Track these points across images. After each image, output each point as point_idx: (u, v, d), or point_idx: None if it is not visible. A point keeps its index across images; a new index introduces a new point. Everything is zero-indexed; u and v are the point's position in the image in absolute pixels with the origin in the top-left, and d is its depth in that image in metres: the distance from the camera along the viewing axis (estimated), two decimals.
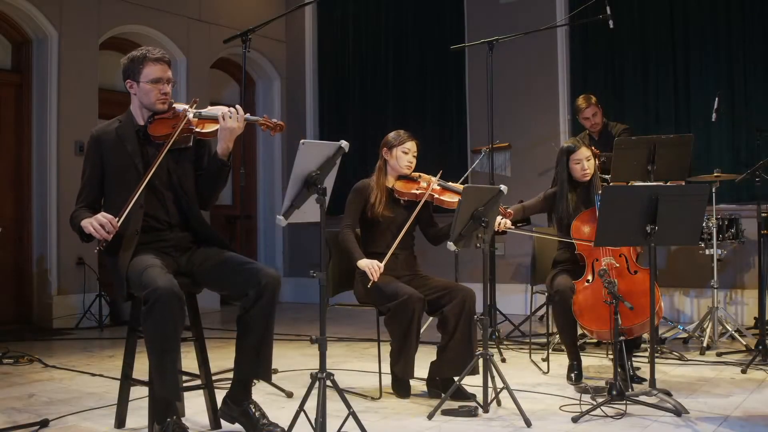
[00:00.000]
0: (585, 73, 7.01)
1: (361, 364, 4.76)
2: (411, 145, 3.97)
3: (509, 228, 4.07)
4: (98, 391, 4.04)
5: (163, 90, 3.16)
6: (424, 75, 7.91)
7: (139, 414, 3.39)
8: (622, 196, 3.56)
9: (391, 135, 4.03)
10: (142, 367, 3.27)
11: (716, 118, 5.49)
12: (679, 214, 3.50)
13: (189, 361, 3.37)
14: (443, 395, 3.52)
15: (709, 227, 5.15)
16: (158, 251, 3.12)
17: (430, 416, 3.40)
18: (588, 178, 4.29)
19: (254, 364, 3.04)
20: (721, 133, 6.34)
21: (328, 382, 2.87)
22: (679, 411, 3.37)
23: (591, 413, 3.35)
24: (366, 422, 3.06)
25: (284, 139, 8.77)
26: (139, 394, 3.57)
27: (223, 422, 3.20)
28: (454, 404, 3.50)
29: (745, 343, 4.99)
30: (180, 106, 3.21)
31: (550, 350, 4.72)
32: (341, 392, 2.93)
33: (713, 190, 5.14)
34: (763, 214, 4.89)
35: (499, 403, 3.58)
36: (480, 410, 3.46)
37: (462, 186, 3.80)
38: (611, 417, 3.35)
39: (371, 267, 3.73)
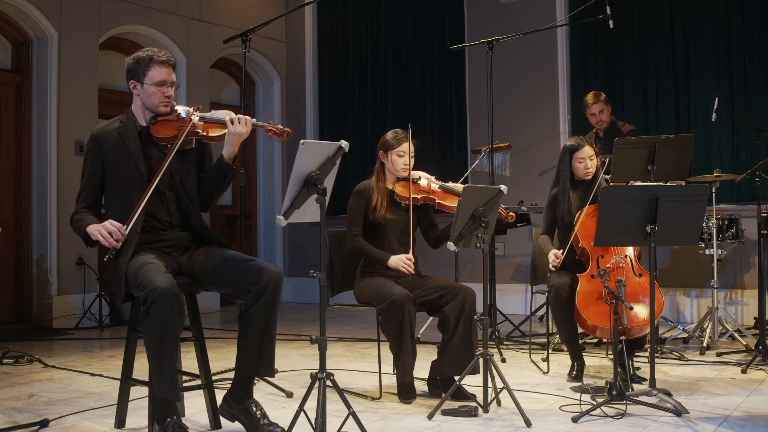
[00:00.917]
0: (585, 73, 7.01)
1: (361, 364, 4.76)
2: (407, 147, 3.92)
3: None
4: (98, 391, 4.04)
5: (166, 93, 3.17)
6: (424, 75, 7.91)
7: (139, 414, 3.40)
8: (622, 196, 3.56)
9: (388, 136, 3.98)
10: (142, 367, 3.27)
11: (716, 118, 5.49)
12: (679, 214, 3.50)
13: (189, 361, 3.38)
14: (443, 395, 3.52)
15: (709, 227, 5.15)
16: (158, 251, 3.13)
17: (430, 416, 3.40)
18: (590, 177, 4.29)
19: (257, 361, 3.04)
20: (721, 133, 6.34)
21: (328, 382, 2.87)
22: (679, 411, 3.37)
23: (591, 413, 3.35)
24: (366, 422, 3.06)
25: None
26: (139, 394, 3.57)
27: (223, 421, 3.20)
28: (454, 404, 3.50)
29: (745, 343, 5.00)
30: (182, 108, 3.22)
31: (550, 350, 4.72)
32: (341, 392, 2.93)
33: (713, 190, 5.14)
34: (763, 214, 4.89)
35: (499, 403, 3.59)
36: (480, 410, 3.46)
37: (462, 186, 3.78)
38: (611, 417, 3.35)
39: (404, 263, 3.75)
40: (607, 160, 4.62)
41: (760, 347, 4.55)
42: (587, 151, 4.26)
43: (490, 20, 7.32)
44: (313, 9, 8.68)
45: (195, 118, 3.13)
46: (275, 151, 8.76)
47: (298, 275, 8.44)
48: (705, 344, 4.96)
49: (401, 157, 3.92)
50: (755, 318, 5.66)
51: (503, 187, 3.62)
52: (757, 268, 5.35)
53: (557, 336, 4.92)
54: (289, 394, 3.89)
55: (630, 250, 4.13)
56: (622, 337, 3.60)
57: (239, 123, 3.10)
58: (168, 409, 2.90)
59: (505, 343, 5.34)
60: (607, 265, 4.02)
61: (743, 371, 4.30)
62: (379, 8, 8.24)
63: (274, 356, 3.09)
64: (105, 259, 2.99)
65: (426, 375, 3.90)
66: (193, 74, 7.74)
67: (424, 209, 4.02)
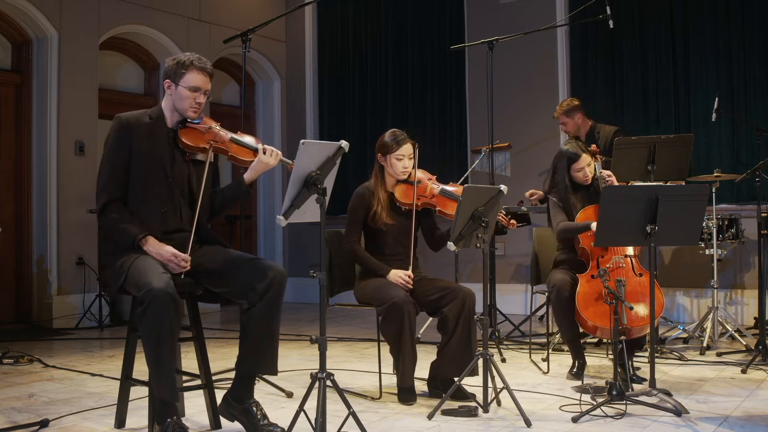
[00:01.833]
0: (585, 73, 7.01)
1: (361, 364, 4.76)
2: (405, 150, 3.88)
3: None
4: (98, 391, 4.04)
5: (198, 99, 3.19)
6: (424, 75, 7.91)
7: (139, 414, 3.40)
8: (622, 196, 3.56)
9: (386, 138, 3.93)
10: (142, 367, 3.26)
11: (716, 118, 5.49)
12: (679, 214, 3.50)
13: (189, 361, 3.38)
14: (443, 395, 3.52)
15: (709, 227, 5.15)
16: None
17: (430, 416, 3.40)
18: (590, 182, 4.29)
19: (260, 358, 3.04)
20: (721, 133, 6.34)
21: (328, 382, 2.87)
22: (679, 411, 3.37)
23: (591, 413, 3.35)
24: (366, 422, 3.06)
25: (284, 139, 8.77)
26: (139, 394, 3.57)
27: (223, 421, 3.20)
28: (454, 404, 3.50)
29: (745, 343, 5.00)
30: (213, 124, 3.25)
31: (550, 350, 4.72)
32: (341, 392, 2.93)
33: (713, 190, 5.14)
34: (763, 214, 4.89)
35: (499, 403, 3.59)
36: (480, 410, 3.46)
37: (461, 187, 3.77)
38: (611, 417, 3.35)
39: (403, 279, 3.77)
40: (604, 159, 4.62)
41: (760, 347, 4.55)
42: (585, 159, 4.24)
43: (490, 20, 7.32)
44: (313, 9, 8.68)
45: (227, 137, 3.21)
46: None
47: (298, 275, 8.44)
48: (705, 344, 4.96)
49: (400, 160, 3.88)
50: (755, 318, 5.66)
51: (503, 187, 3.62)
52: (757, 268, 5.35)
53: (557, 336, 4.92)
54: (289, 394, 3.89)
55: (630, 250, 4.13)
56: (622, 337, 3.60)
57: (270, 155, 3.16)
58: (168, 409, 2.90)
59: (505, 343, 5.34)
60: (607, 265, 4.02)
61: (743, 371, 4.30)
62: (379, 8, 8.24)
63: (278, 354, 3.09)
64: (182, 276, 3.03)
65: (426, 375, 3.90)
66: None
67: (426, 213, 4.01)
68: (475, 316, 3.69)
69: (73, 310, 6.68)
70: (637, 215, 3.48)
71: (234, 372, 3.15)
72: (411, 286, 3.79)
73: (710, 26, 6.41)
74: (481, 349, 3.53)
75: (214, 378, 3.33)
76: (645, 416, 3.37)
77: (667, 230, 3.50)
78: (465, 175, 6.26)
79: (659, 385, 3.64)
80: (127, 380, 3.20)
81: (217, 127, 3.24)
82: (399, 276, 3.79)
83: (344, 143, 2.96)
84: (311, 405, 2.86)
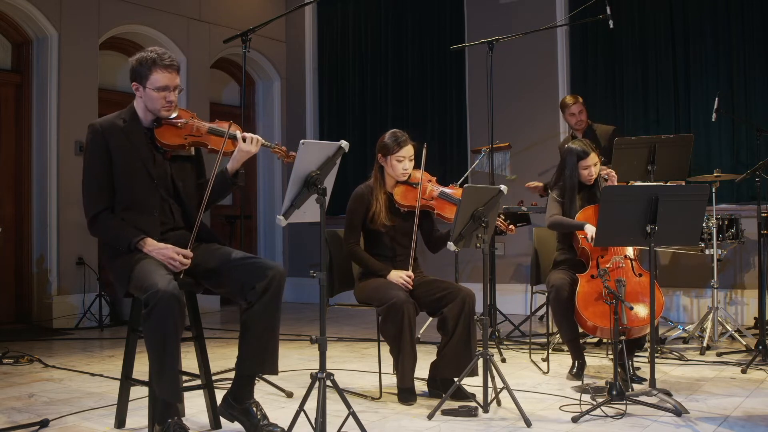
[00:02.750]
0: (585, 73, 7.01)
1: (361, 364, 4.76)
2: (405, 152, 3.87)
3: None
4: (98, 391, 4.04)
5: (168, 98, 3.11)
6: (424, 75, 7.91)
7: (139, 414, 3.39)
8: (622, 196, 3.56)
9: (387, 139, 3.91)
10: (142, 367, 3.27)
11: (716, 118, 5.49)
12: (679, 214, 3.50)
13: (189, 361, 3.38)
14: (443, 395, 3.52)
15: (709, 227, 5.15)
16: None
17: (430, 416, 3.40)
18: (592, 182, 4.30)
19: (261, 358, 3.03)
20: (721, 133, 6.34)
21: (328, 382, 2.87)
22: (679, 411, 3.37)
23: (591, 413, 3.35)
24: (366, 422, 3.06)
25: (284, 139, 8.77)
26: (139, 394, 3.57)
27: (222, 421, 3.19)
28: (454, 404, 3.50)
29: (745, 343, 5.00)
30: (189, 117, 3.21)
31: (550, 350, 4.72)
32: (341, 392, 2.93)
33: (713, 190, 5.14)
34: (763, 214, 4.89)
35: (499, 403, 3.59)
36: (480, 410, 3.46)
37: (461, 189, 3.77)
38: (611, 417, 3.35)
39: (404, 280, 3.77)
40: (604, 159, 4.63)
41: (760, 347, 4.55)
42: (593, 158, 4.26)
43: (490, 20, 7.32)
44: (313, 9, 8.68)
45: (204, 129, 3.16)
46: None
47: (298, 275, 8.44)
48: (705, 344, 4.96)
49: (401, 162, 3.88)
50: (755, 318, 5.66)
51: (503, 187, 3.62)
52: (757, 268, 5.35)
53: (557, 336, 4.92)
54: (289, 394, 3.89)
55: (630, 251, 4.13)
56: (622, 337, 3.60)
57: (249, 142, 3.14)
58: (169, 409, 2.90)
59: (505, 343, 5.34)
60: (607, 266, 4.02)
61: (743, 371, 4.30)
62: (379, 8, 8.24)
63: (278, 354, 3.09)
64: (180, 276, 3.01)
65: (426, 375, 3.89)
66: (193, 74, 7.74)
67: (425, 214, 4.00)
68: (475, 316, 3.69)
69: (73, 310, 6.68)
70: (637, 215, 3.48)
71: (234, 372, 3.15)
72: (411, 287, 3.79)
73: (710, 26, 6.41)
74: (481, 349, 3.53)
75: (214, 378, 3.33)
76: (645, 416, 3.37)
77: (667, 230, 3.50)
78: (465, 175, 6.26)
79: (659, 385, 3.64)
80: (127, 380, 3.20)
81: (194, 120, 3.18)
82: (399, 276, 3.79)
83: (344, 143, 2.96)
84: (311, 405, 2.86)
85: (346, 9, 8.50)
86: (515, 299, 7.04)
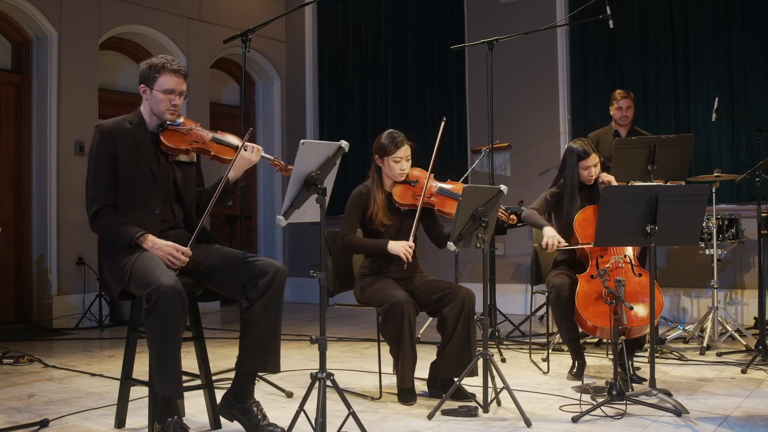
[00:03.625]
0: (585, 73, 7.01)
1: (361, 364, 4.76)
2: (402, 152, 3.87)
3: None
4: (98, 391, 4.04)
5: (173, 101, 3.18)
6: (424, 75, 7.91)
7: (139, 414, 3.40)
8: (622, 196, 3.56)
9: (384, 140, 3.91)
10: (142, 368, 3.27)
11: (716, 118, 5.49)
12: (679, 214, 3.50)
13: (189, 361, 3.38)
14: (443, 395, 3.52)
15: (709, 227, 5.15)
16: None
17: (430, 416, 3.40)
18: (592, 182, 4.30)
19: (263, 356, 3.03)
20: (721, 133, 6.35)
21: (328, 382, 2.87)
22: (679, 411, 3.37)
23: (591, 413, 3.35)
24: (366, 422, 3.06)
25: (284, 139, 8.77)
26: (139, 394, 3.57)
27: (222, 420, 3.19)
28: (454, 404, 3.50)
29: (745, 343, 5.00)
30: (194, 125, 3.25)
31: (550, 350, 4.72)
32: (341, 392, 2.93)
33: (713, 190, 5.15)
34: (763, 214, 4.89)
35: (499, 403, 3.59)
36: (480, 410, 3.46)
37: (462, 185, 3.76)
38: (611, 417, 3.35)
39: (404, 249, 3.73)
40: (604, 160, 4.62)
41: (760, 347, 4.55)
42: (593, 159, 4.27)
43: (490, 20, 7.32)
44: (313, 9, 8.68)
45: (208, 137, 3.22)
46: (275, 152, 8.74)
47: (298, 275, 8.44)
48: (705, 344, 4.96)
49: (398, 162, 3.87)
50: (755, 318, 5.66)
51: (503, 187, 3.62)
52: (757, 268, 5.35)
53: (557, 336, 4.92)
54: (289, 394, 3.89)
55: (629, 251, 4.13)
56: (622, 337, 3.60)
57: (250, 151, 3.20)
58: (169, 408, 2.90)
59: (505, 343, 5.34)
60: (607, 266, 4.02)
61: (743, 371, 4.30)
62: (379, 8, 8.24)
63: (280, 352, 3.09)
64: (175, 272, 3.00)
65: (426, 375, 3.90)
66: (193, 74, 7.73)
67: (426, 211, 3.99)
68: (475, 316, 3.69)
69: (73, 310, 6.68)
70: (637, 215, 3.48)
71: (234, 372, 3.15)
72: (410, 259, 3.75)
73: (710, 26, 6.41)
74: (481, 349, 3.53)
75: (214, 378, 3.33)
76: (645, 416, 3.37)
77: (667, 230, 3.50)
78: (465, 175, 6.26)
79: (659, 385, 3.64)
80: (127, 380, 3.20)
81: (198, 128, 3.26)
82: (402, 246, 3.75)
83: (344, 143, 2.96)
84: (311, 405, 2.86)
85: (346, 9, 8.50)
86: (515, 299, 7.04)
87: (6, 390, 4.09)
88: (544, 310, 5.47)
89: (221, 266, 3.11)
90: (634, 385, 3.83)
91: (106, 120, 3.23)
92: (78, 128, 6.80)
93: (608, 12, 5.04)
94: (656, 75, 6.63)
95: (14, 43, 6.81)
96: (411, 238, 3.80)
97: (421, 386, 3.87)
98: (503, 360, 4.77)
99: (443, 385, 3.72)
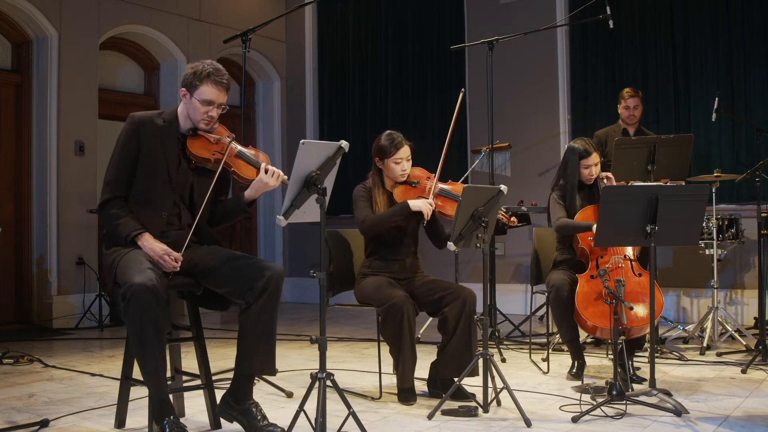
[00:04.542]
0: (585, 73, 7.01)
1: (361, 364, 4.76)
2: (403, 153, 3.86)
3: None
4: (98, 391, 4.04)
5: (210, 113, 3.14)
6: (424, 75, 7.91)
7: (139, 414, 3.39)
8: (622, 196, 3.55)
9: (383, 142, 3.90)
10: None
11: (716, 118, 5.49)
12: (679, 214, 3.50)
13: (189, 361, 3.38)
14: (443, 395, 3.52)
15: (709, 227, 5.15)
16: None
17: (430, 416, 3.40)
18: (592, 181, 4.30)
19: (260, 358, 3.03)
20: (721, 133, 6.35)
21: (328, 382, 2.87)
22: (679, 411, 3.37)
23: (591, 413, 3.35)
24: (366, 422, 3.06)
25: (284, 139, 8.77)
26: (139, 394, 3.57)
27: (222, 421, 3.19)
28: (454, 404, 3.50)
29: (745, 343, 5.00)
30: (225, 135, 3.21)
31: (550, 350, 4.72)
32: (341, 392, 2.93)
33: (713, 190, 5.15)
34: (763, 214, 4.89)
35: (499, 403, 3.59)
36: (480, 410, 3.46)
37: (462, 186, 3.76)
38: (611, 417, 3.35)
39: (427, 206, 3.69)
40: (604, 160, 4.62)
41: (760, 347, 4.55)
42: (594, 158, 4.27)
43: (490, 20, 7.32)
44: (313, 9, 8.68)
45: (235, 150, 3.16)
46: (275, 152, 8.76)
47: (298, 275, 8.44)
48: (705, 344, 4.96)
49: (398, 164, 3.87)
50: (755, 318, 5.66)
51: (503, 187, 3.62)
52: (757, 268, 5.35)
53: (557, 336, 4.92)
54: (289, 394, 3.89)
55: (629, 251, 4.13)
56: (622, 337, 3.60)
57: (271, 176, 3.12)
58: (165, 408, 2.90)
59: (505, 343, 5.34)
60: (607, 266, 4.02)
61: (743, 371, 4.30)
62: (379, 8, 8.24)
63: (275, 354, 3.09)
64: (169, 278, 3.02)
65: (426, 375, 3.90)
66: None
67: None
68: (475, 316, 3.69)
69: (73, 310, 6.68)
70: (637, 215, 3.48)
71: (233, 372, 3.15)
72: (428, 218, 3.72)
73: (710, 26, 6.41)
74: (481, 349, 3.53)
75: (214, 378, 3.32)
76: (645, 416, 3.37)
77: (667, 230, 3.50)
78: (465, 175, 6.26)
79: (659, 385, 3.64)
80: (127, 380, 3.20)
81: (228, 139, 3.19)
82: (425, 202, 3.71)
83: (344, 143, 2.96)
84: (311, 405, 2.86)
85: (346, 9, 8.50)
86: (515, 299, 7.04)
87: (6, 390, 4.09)
88: (544, 310, 5.47)
89: (219, 267, 3.11)
90: (634, 385, 3.83)
91: (141, 112, 3.21)
92: (78, 128, 6.80)
93: (608, 12, 5.04)
94: (656, 75, 6.63)
95: (14, 43, 6.80)
96: (431, 196, 3.77)
97: (421, 386, 3.87)
98: (503, 360, 4.77)
99: (443, 385, 3.72)
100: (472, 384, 3.73)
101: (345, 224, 6.91)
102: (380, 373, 3.89)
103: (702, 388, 3.93)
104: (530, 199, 6.17)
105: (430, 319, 5.00)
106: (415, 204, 3.73)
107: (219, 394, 3.23)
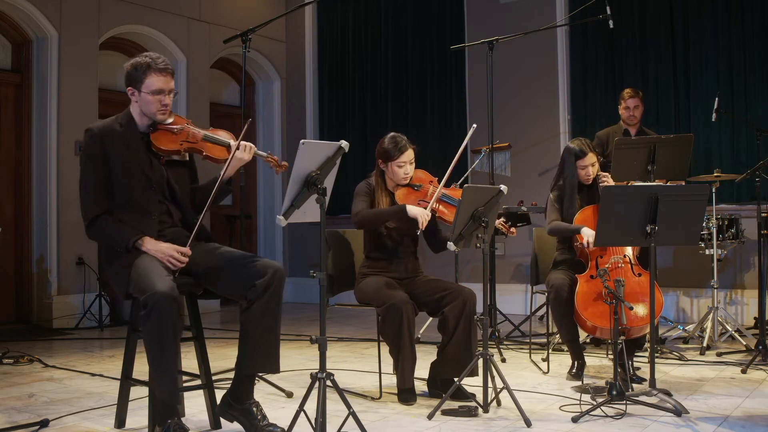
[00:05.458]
0: (585, 73, 7.01)
1: (361, 364, 4.76)
2: (406, 156, 3.86)
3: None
4: (98, 391, 4.04)
5: (164, 101, 3.13)
6: (424, 75, 7.91)
7: (139, 414, 3.40)
8: (622, 196, 3.55)
9: (387, 145, 3.89)
10: (142, 368, 3.26)
11: (716, 118, 5.49)
12: (679, 214, 3.50)
13: (189, 361, 3.38)
14: (443, 395, 3.52)
15: (709, 227, 5.15)
16: None
17: (430, 416, 3.40)
18: (590, 182, 4.31)
19: (262, 357, 3.03)
20: (721, 133, 6.34)
21: (328, 382, 2.87)
22: (679, 411, 3.37)
23: (591, 413, 3.35)
24: (366, 422, 3.06)
25: (284, 139, 8.77)
26: (139, 394, 3.57)
27: (222, 420, 3.19)
28: (454, 404, 3.50)
29: (745, 343, 5.00)
30: (185, 123, 3.21)
31: (550, 350, 4.72)
32: (341, 392, 2.93)
33: (713, 190, 5.14)
34: (763, 214, 4.89)
35: (499, 403, 3.59)
36: (480, 410, 3.46)
37: (461, 191, 3.76)
38: (611, 417, 3.35)
39: (424, 217, 3.67)
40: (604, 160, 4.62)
41: (760, 347, 4.55)
42: (590, 158, 4.27)
43: (490, 20, 7.32)
44: (313, 9, 8.68)
45: (199, 135, 3.17)
46: (275, 151, 8.74)
47: (298, 275, 8.44)
48: (705, 344, 4.96)
49: (401, 167, 3.86)
50: (755, 318, 5.66)
51: (503, 187, 3.62)
52: (757, 268, 5.35)
53: (557, 336, 4.92)
54: (289, 394, 3.89)
55: (629, 251, 4.13)
56: (622, 337, 3.60)
57: (244, 150, 3.16)
58: (169, 411, 2.90)
59: (505, 343, 5.34)
60: (606, 266, 4.02)
61: (743, 371, 4.30)
62: (379, 8, 8.24)
63: (279, 352, 3.08)
64: (174, 276, 2.99)
65: (426, 375, 3.90)
66: (193, 74, 7.74)
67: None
68: (475, 316, 3.69)
69: (73, 310, 6.68)
70: (637, 215, 3.48)
71: (233, 372, 3.14)
72: (423, 227, 3.70)
73: (710, 26, 6.40)
74: (481, 349, 3.53)
75: (214, 378, 3.33)
76: (645, 416, 3.37)
77: (667, 230, 3.50)
78: (465, 175, 6.26)
79: (659, 385, 3.64)
80: (127, 380, 3.20)
81: (189, 126, 3.20)
82: (421, 211, 3.69)
83: (344, 143, 2.96)
84: (311, 405, 2.86)
85: (346, 9, 8.49)
86: (515, 299, 7.04)
87: (6, 390, 4.09)
88: (544, 310, 5.47)
89: (220, 266, 3.11)
90: (634, 385, 3.83)
91: (96, 123, 3.20)
92: (78, 128, 6.76)
93: (608, 12, 5.04)
94: (656, 75, 6.63)
95: (14, 43, 6.81)
96: (429, 208, 3.76)
97: (421, 386, 3.87)
98: (503, 360, 4.77)
99: (443, 385, 3.72)
100: (472, 384, 3.73)
101: (345, 224, 6.90)
102: (380, 373, 3.89)
103: (702, 388, 3.93)
104: (530, 199, 6.17)
105: (430, 319, 5.00)
106: (412, 211, 3.72)
107: (219, 394, 3.23)
